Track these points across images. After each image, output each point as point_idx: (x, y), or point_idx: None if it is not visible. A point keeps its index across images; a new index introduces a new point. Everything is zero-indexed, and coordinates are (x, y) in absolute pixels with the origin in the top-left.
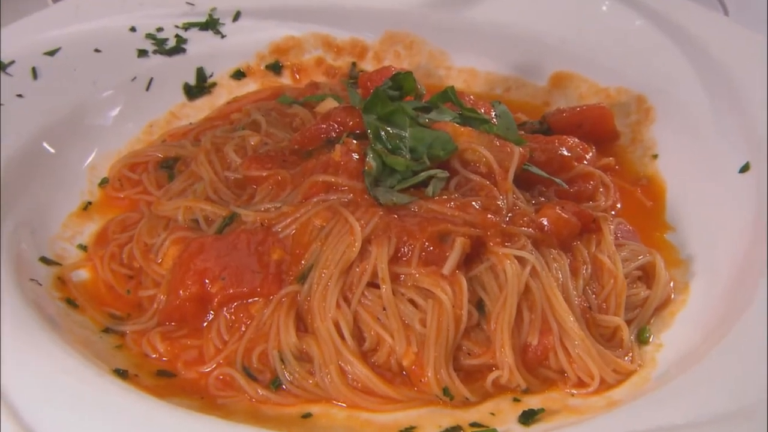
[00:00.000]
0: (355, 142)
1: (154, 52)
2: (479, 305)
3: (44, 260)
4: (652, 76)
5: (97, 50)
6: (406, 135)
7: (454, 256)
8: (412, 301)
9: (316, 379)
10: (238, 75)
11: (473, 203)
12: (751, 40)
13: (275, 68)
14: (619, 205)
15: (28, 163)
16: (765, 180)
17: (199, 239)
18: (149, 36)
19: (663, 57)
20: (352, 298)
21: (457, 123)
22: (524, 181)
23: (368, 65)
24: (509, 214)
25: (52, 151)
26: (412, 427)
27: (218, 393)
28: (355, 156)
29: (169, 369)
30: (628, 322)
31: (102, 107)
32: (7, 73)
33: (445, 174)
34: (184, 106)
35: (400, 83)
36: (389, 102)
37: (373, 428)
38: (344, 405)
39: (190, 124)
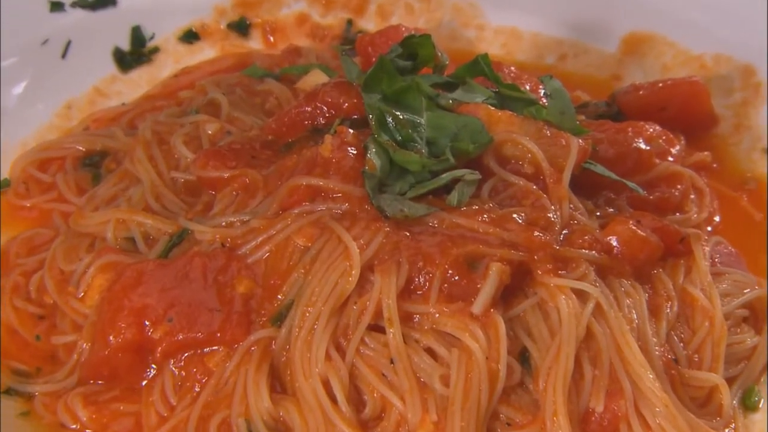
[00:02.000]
0: (351, 131)
1: (73, 4)
2: (523, 357)
3: None
4: (761, 40)
5: None
6: (422, 122)
7: (487, 289)
8: (430, 351)
9: None
10: (189, 37)
11: (514, 216)
12: None
13: (241, 27)
14: (717, 219)
15: None
16: None
17: (137, 265)
18: None
19: None
20: (347, 346)
21: (493, 105)
22: (586, 186)
23: (369, 24)
24: (564, 231)
25: None
26: None
27: None
28: (352, 151)
29: None
30: (730, 381)
31: (1, 82)
32: None
33: (476, 176)
34: (115, 79)
35: (414, 50)
36: (398, 76)
37: None
38: None
39: (123, 104)
